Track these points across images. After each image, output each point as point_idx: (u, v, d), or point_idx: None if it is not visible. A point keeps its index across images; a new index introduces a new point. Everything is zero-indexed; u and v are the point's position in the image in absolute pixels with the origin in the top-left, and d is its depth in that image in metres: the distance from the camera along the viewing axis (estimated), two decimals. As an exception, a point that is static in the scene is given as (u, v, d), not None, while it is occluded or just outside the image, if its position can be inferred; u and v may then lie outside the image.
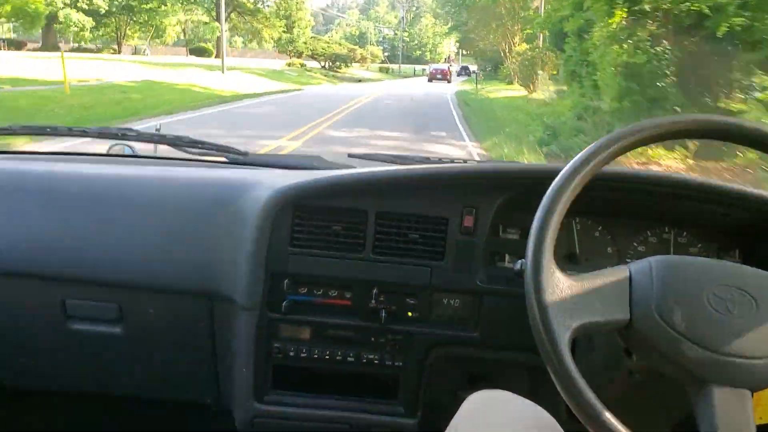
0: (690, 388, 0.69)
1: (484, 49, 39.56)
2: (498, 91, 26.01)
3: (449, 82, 40.40)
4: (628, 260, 0.81)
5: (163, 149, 1.53)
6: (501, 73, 37.24)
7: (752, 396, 0.67)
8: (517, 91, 25.95)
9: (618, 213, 1.18)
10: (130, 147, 1.56)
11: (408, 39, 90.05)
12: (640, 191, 1.12)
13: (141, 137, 1.49)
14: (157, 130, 1.56)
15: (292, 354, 1.20)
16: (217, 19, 49.56)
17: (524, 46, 24.93)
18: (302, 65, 40.35)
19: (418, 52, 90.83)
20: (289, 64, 39.64)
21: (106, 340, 1.26)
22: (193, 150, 1.46)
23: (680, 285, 0.72)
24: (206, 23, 46.33)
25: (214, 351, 1.24)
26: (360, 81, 37.90)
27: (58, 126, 1.53)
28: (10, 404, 1.51)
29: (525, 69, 23.23)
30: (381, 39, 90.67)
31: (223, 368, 1.25)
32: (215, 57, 45.65)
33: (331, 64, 44.26)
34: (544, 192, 0.75)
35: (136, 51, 49.31)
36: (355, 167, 1.34)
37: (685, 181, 1.12)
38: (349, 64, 46.21)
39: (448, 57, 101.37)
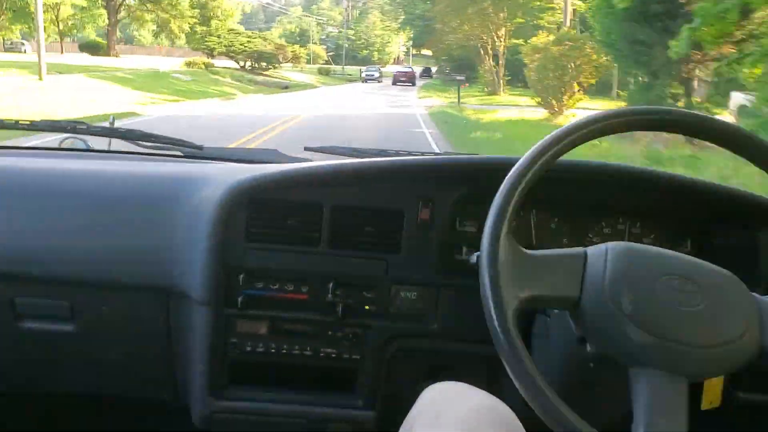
0: (630, 370, 0.71)
1: (452, 45, 28.70)
2: (494, 110, 15.08)
3: (414, 84, 38.74)
4: None
5: (117, 143, 1.50)
6: (480, 79, 26.10)
7: (695, 386, 0.64)
8: (519, 108, 14.67)
9: (573, 204, 1.19)
10: (83, 141, 1.53)
11: (354, 37, 78.70)
12: (595, 182, 1.14)
13: (92, 131, 1.46)
14: (110, 123, 1.56)
15: (248, 349, 1.20)
16: (107, 7, 36.98)
17: (544, 37, 13.45)
18: (207, 65, 31.08)
19: (365, 52, 79.76)
20: (188, 64, 27.41)
21: (59, 338, 1.24)
22: (147, 144, 1.45)
23: (632, 270, 0.74)
24: (83, 8, 33.63)
25: (171, 347, 1.23)
26: (287, 88, 29.61)
27: (2, 119, 1.47)
28: None
29: (547, 76, 11.92)
30: (324, 37, 79.11)
31: (179, 364, 1.23)
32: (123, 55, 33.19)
33: (254, 64, 34.80)
34: (501, 183, 0.76)
35: (12, 46, 39.27)
36: (311, 160, 1.36)
37: (639, 172, 1.15)
38: (277, 65, 37.05)
39: (398, 58, 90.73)
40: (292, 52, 36.97)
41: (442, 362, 1.29)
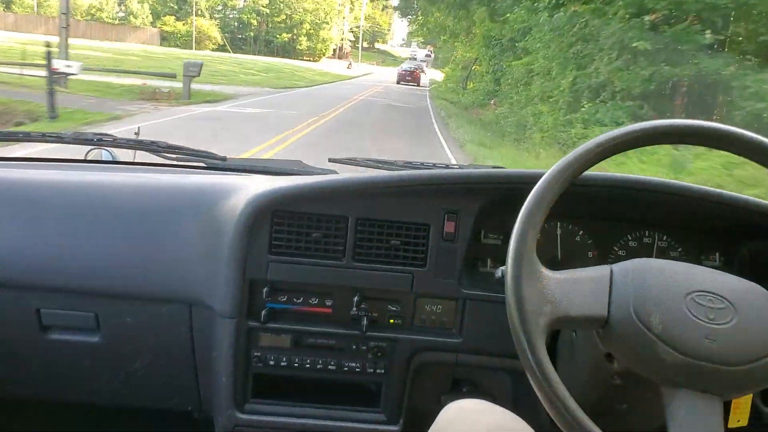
0: (662, 390, 0.78)
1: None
2: None
3: (418, 85, 39.43)
4: (609, 264, 0.90)
5: (141, 154, 1.73)
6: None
7: (723, 403, 0.77)
8: None
9: (599, 216, 1.37)
10: (108, 152, 1.77)
11: (268, 10, 45.54)
12: (621, 195, 1.30)
13: (117, 143, 1.68)
14: (135, 134, 1.74)
15: (272, 362, 1.32)
16: None
17: None
18: None
19: (285, 36, 46.59)
20: None
21: (84, 349, 1.40)
22: (171, 155, 1.65)
23: (660, 288, 0.80)
24: None
25: (194, 359, 1.39)
26: None
27: (31, 132, 1.76)
28: None
29: None
30: (220, 8, 46.57)
31: (203, 376, 1.41)
32: None
33: None
34: (526, 197, 0.87)
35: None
36: (336, 172, 1.53)
37: (664, 186, 1.28)
38: None
39: (340, 49, 59.25)
40: None
41: (466, 376, 1.43)
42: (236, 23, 61.33)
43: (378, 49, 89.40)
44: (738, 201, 1.24)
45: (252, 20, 60.76)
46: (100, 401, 1.51)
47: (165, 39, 54.26)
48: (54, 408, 1.64)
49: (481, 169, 1.43)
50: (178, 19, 57.72)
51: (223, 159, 1.63)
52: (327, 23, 64.98)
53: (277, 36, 62.09)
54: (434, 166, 1.56)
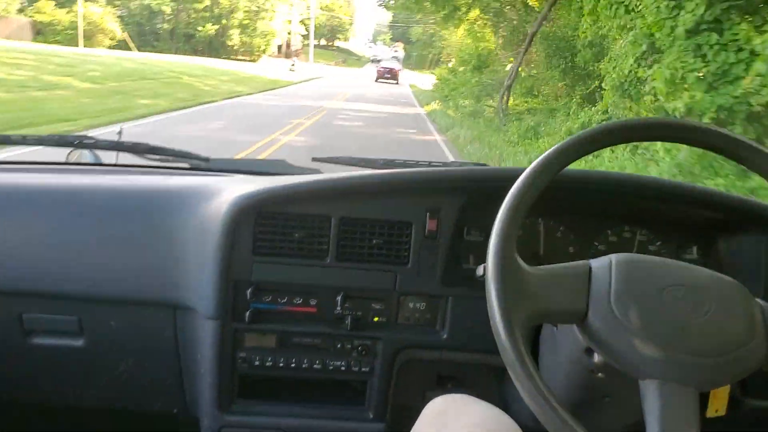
0: (640, 382, 0.85)
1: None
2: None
3: (398, 82, 43.87)
4: (589, 258, 1.01)
5: (124, 155, 1.89)
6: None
7: (700, 395, 0.84)
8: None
9: (579, 212, 1.56)
10: (90, 153, 1.95)
11: None
12: (601, 191, 1.49)
13: (99, 145, 1.83)
14: (118, 134, 1.90)
15: (257, 363, 1.48)
16: None
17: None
18: None
19: (212, 29, 30.45)
20: None
21: (68, 353, 1.55)
22: (154, 156, 1.80)
23: (638, 282, 0.89)
24: None
25: (179, 361, 1.55)
26: None
27: (11, 135, 1.84)
28: None
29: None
30: None
31: (188, 378, 1.57)
32: None
33: None
34: (507, 194, 1.03)
35: None
36: (319, 171, 1.71)
37: (643, 182, 1.48)
38: None
39: (286, 45, 44.55)
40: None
41: (450, 372, 1.62)
42: (144, 12, 47.73)
43: (338, 47, 78.08)
44: (716, 196, 1.38)
45: (164, 7, 47.46)
46: (84, 404, 1.64)
47: (40, 33, 45.67)
48: (37, 410, 1.75)
49: (463, 167, 1.56)
50: (59, 5, 43.78)
51: (206, 160, 1.75)
52: (267, 11, 56.58)
53: (200, 28, 50.86)
54: (417, 163, 1.70)
